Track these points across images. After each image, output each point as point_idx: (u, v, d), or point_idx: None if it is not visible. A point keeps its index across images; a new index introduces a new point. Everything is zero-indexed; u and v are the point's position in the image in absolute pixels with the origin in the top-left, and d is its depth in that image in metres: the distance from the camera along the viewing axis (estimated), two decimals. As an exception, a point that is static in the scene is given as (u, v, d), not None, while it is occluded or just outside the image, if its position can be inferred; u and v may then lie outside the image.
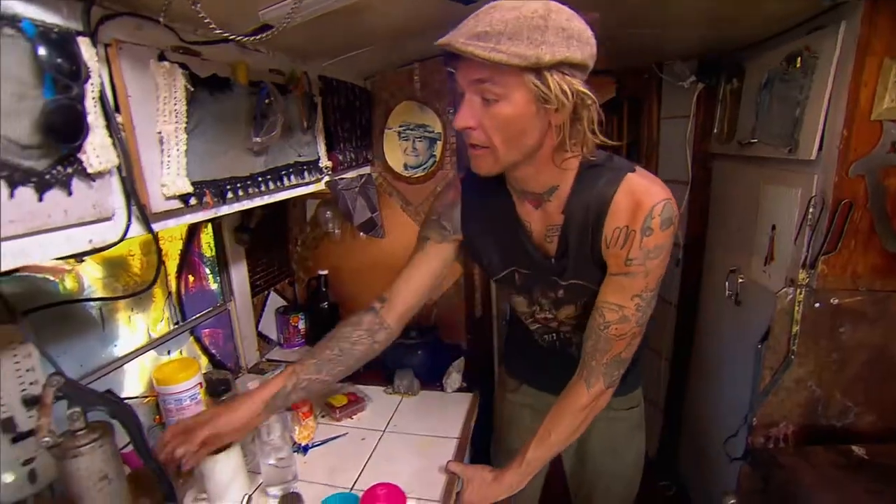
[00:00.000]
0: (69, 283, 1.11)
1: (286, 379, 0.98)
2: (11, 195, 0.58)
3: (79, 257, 0.81)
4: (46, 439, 0.75)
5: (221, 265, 1.55)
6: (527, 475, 1.02)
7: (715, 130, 1.74)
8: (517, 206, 0.94)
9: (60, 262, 1.09)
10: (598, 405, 0.97)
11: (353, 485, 1.09)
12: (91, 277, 1.16)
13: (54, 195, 0.63)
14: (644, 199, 0.82)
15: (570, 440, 1.00)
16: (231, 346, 1.60)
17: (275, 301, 1.82)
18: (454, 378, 1.45)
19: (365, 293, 1.83)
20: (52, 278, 1.08)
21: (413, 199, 1.72)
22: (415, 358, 1.46)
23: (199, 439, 0.91)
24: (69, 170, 0.65)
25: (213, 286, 1.56)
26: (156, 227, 0.80)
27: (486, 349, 2.06)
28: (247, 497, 0.95)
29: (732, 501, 1.18)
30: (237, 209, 1.01)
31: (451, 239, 1.03)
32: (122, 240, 0.74)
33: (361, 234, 1.69)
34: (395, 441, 1.24)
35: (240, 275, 1.60)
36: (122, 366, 1.24)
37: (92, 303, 1.16)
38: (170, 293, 1.39)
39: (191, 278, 1.47)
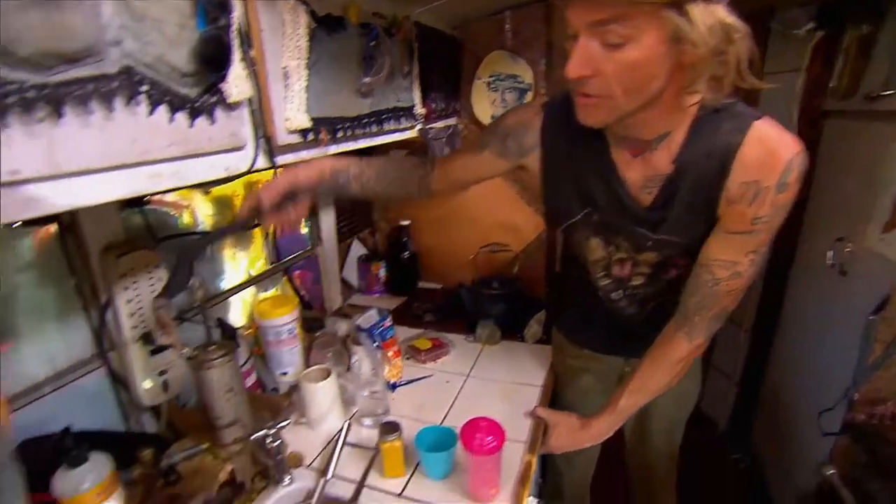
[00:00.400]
0: (186, 218, 1.20)
1: (351, 163, 0.98)
2: (171, 119, 0.62)
3: (207, 188, 0.86)
4: (185, 351, 0.83)
5: (312, 210, 1.62)
6: (616, 423, 1.02)
7: (832, 84, 1.59)
8: (612, 150, 0.86)
9: (180, 197, 1.18)
10: (693, 357, 0.95)
11: (442, 421, 1.14)
12: (202, 214, 1.25)
13: (201, 122, 0.67)
14: (780, 150, 0.74)
15: (662, 391, 0.99)
16: (318, 288, 1.69)
17: (357, 249, 1.88)
18: (535, 329, 1.46)
19: (445, 244, 1.87)
20: (173, 213, 1.17)
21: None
22: (496, 308, 1.48)
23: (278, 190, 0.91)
24: (213, 99, 0.68)
25: (304, 231, 1.63)
26: (278, 160, 0.84)
27: (559, 308, 2.05)
28: (346, 423, 1.01)
29: (832, 471, 1.13)
30: (343, 150, 1.03)
31: (509, 159, 0.97)
32: (250, 170, 0.79)
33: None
34: (478, 385, 1.28)
35: (328, 221, 1.66)
36: (227, 298, 1.34)
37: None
38: (267, 234, 1.47)
39: (286, 221, 1.54)
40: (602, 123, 0.78)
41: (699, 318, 0.89)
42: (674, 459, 1.30)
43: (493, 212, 1.77)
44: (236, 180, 0.81)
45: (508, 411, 1.16)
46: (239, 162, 0.76)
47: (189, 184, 0.68)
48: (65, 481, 0.70)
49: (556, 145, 0.92)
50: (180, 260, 0.83)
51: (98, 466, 0.73)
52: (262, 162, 0.81)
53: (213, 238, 0.88)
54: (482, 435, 0.84)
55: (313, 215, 1.63)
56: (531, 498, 0.97)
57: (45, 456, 0.78)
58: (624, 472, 1.42)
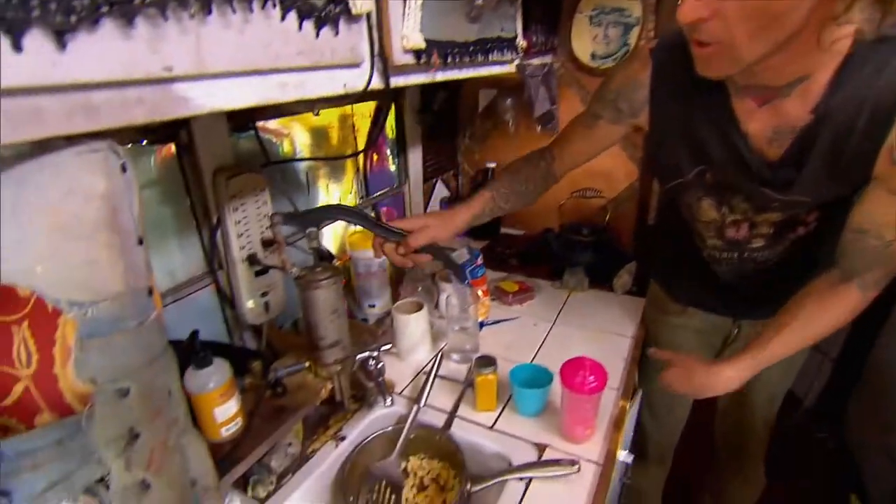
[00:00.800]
0: (286, 146, 1.22)
1: (485, 204, 0.99)
2: (300, 27, 0.61)
3: (319, 108, 0.86)
4: (293, 270, 0.85)
5: (401, 148, 1.60)
6: (753, 371, 0.86)
7: None
8: (732, 99, 0.76)
9: (281, 126, 1.19)
10: (860, 310, 0.81)
11: (531, 361, 1.13)
12: (301, 143, 1.26)
13: (326, 33, 0.65)
14: None
15: (817, 341, 0.86)
16: (403, 227, 1.69)
17: (440, 191, 1.86)
18: (625, 280, 1.40)
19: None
20: (275, 140, 1.19)
21: (595, 92, 1.60)
22: (585, 256, 1.43)
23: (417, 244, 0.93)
24: (337, 9, 0.66)
25: (392, 168, 1.62)
26: (392, 80, 0.81)
27: (658, 262, 1.96)
28: (438, 356, 1.02)
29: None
30: (449, 77, 0.99)
31: (625, 123, 0.91)
32: (366, 88, 0.77)
33: (538, 127, 1.63)
34: (566, 330, 1.25)
35: (415, 159, 1.64)
36: (320, 228, 1.36)
37: (301, 166, 1.27)
38: (358, 168, 1.48)
39: (375, 157, 1.54)
40: (724, 75, 0.68)
41: (871, 274, 0.76)
42: (768, 431, 1.23)
43: (585, 157, 1.69)
44: (341, 105, 0.80)
45: (599, 357, 1.12)
46: (356, 79, 0.75)
47: (311, 96, 0.67)
48: (193, 380, 0.75)
49: (666, 95, 0.83)
50: (323, 211, 0.89)
51: (220, 370, 0.78)
52: (377, 81, 0.79)
53: (358, 219, 0.92)
54: (585, 373, 0.82)
55: (402, 154, 1.62)
56: (623, 451, 0.95)
57: (179, 355, 0.85)
58: (710, 439, 1.38)
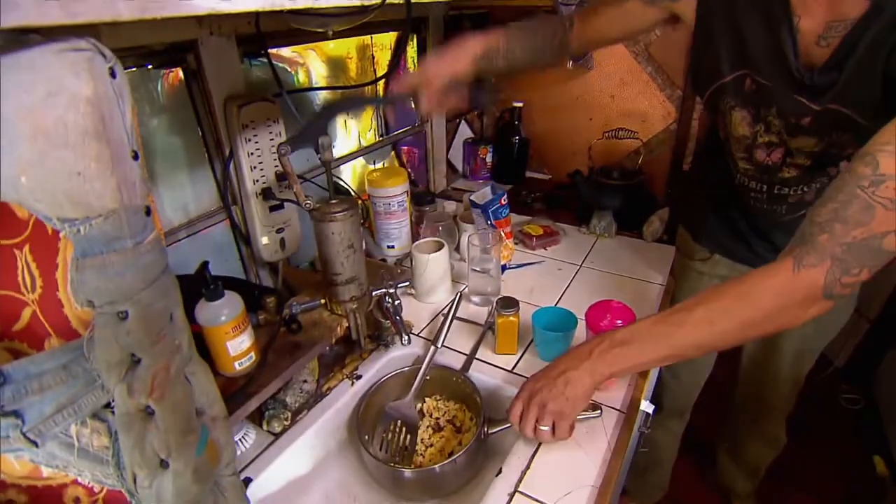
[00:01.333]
0: (302, 77, 1.16)
1: (497, 39, 0.91)
2: (307, -84, 0.53)
3: (333, 25, 0.79)
4: (308, 202, 0.81)
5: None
6: (611, 369, 0.69)
7: None
8: None
9: (296, 53, 1.12)
10: (796, 302, 0.62)
11: (555, 305, 1.09)
12: (318, 74, 1.20)
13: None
14: None
15: (723, 343, 0.68)
16: (423, 167, 1.63)
17: (464, 131, 1.78)
18: (656, 227, 1.33)
19: (560, 130, 1.72)
20: (289, 69, 1.12)
21: (633, 24, 1.47)
22: (614, 200, 1.35)
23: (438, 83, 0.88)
24: None
25: (413, 105, 1.54)
26: (411, -5, 0.74)
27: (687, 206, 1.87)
28: (458, 295, 0.99)
29: None
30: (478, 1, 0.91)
31: (662, 3, 0.82)
32: (383, 3, 0.70)
33: (569, 63, 1.52)
34: (592, 276, 1.20)
35: (438, 96, 1.56)
36: (338, 166, 1.32)
37: (318, 100, 1.21)
38: (378, 106, 1.41)
39: (396, 92, 1.46)
40: None
41: (825, 238, 0.58)
42: (796, 390, 1.18)
43: (620, 97, 1.58)
44: (360, 34, 0.73)
45: (626, 302, 1.08)
46: (372, -11, 0.68)
47: (323, 5, 0.60)
48: (205, 311, 0.73)
49: None
50: (322, 113, 0.80)
51: (232, 303, 0.75)
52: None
53: (360, 103, 0.85)
54: (612, 316, 0.77)
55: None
56: (646, 402, 0.91)
57: (188, 289, 0.83)
58: (729, 391, 1.33)
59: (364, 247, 1.26)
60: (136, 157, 0.47)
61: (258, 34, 0.89)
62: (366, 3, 0.67)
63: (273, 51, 1.06)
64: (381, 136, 1.43)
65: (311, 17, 0.75)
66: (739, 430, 1.37)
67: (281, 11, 0.58)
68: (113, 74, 0.44)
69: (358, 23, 0.79)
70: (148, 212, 0.48)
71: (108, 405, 0.51)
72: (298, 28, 0.83)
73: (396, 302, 0.87)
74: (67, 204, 0.43)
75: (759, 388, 1.22)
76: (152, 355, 0.46)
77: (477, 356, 0.96)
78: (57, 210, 0.43)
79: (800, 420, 1.29)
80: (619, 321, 0.78)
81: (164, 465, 0.48)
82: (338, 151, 1.31)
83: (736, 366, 1.26)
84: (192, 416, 0.50)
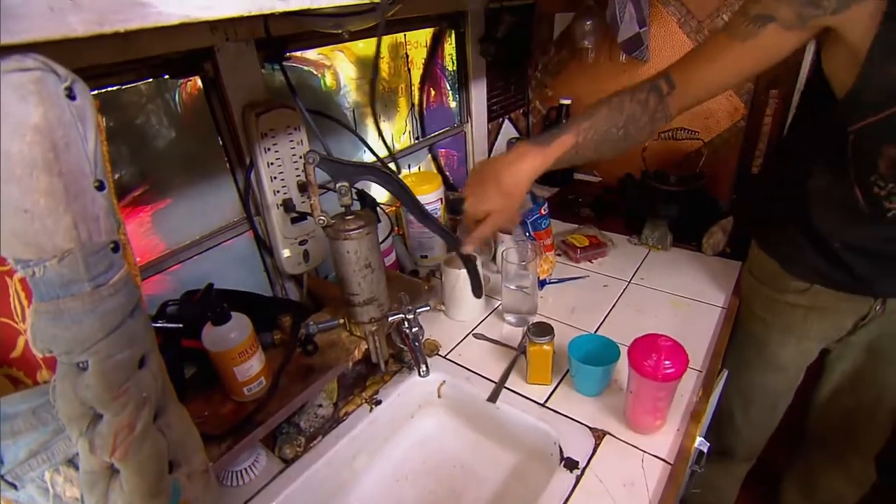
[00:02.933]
0: (329, 80, 1.10)
1: (565, 151, 0.78)
2: None
3: (346, 26, 0.72)
4: (322, 218, 0.75)
5: (462, 81, 1.44)
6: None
7: None
8: None
9: (322, 56, 1.07)
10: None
11: (597, 329, 0.98)
12: (346, 76, 1.14)
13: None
14: None
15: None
16: (464, 170, 1.55)
17: (508, 131, 1.68)
18: (717, 239, 1.18)
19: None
20: (315, 72, 1.07)
21: (698, 11, 1.32)
22: (670, 208, 1.22)
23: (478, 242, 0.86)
24: None
25: (452, 105, 1.47)
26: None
27: (754, 218, 1.69)
28: (486, 317, 0.90)
29: None
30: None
31: (812, 24, 0.64)
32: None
33: (622, 55, 1.39)
34: (642, 294, 1.08)
35: (479, 94, 1.47)
36: (352, 185, 1.25)
37: (347, 103, 1.15)
38: (412, 105, 1.34)
39: (432, 92, 1.39)
40: None
41: None
42: (892, 421, 1.02)
43: (678, 91, 1.42)
44: (388, 32, 0.66)
45: (680, 329, 0.96)
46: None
47: (322, 6, 0.54)
48: (211, 335, 0.70)
49: None
50: (366, 166, 0.80)
51: (239, 326, 0.71)
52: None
53: (401, 194, 0.80)
54: (660, 356, 0.67)
55: (463, 89, 1.45)
56: (701, 439, 0.80)
57: (199, 308, 0.80)
58: (800, 419, 1.17)
59: (395, 256, 1.20)
60: (101, 187, 0.42)
61: (269, 38, 0.84)
62: (375, 0, 0.60)
63: (297, 53, 1.01)
64: (417, 138, 1.37)
65: (322, 18, 0.69)
66: (816, 465, 1.21)
67: (275, 14, 0.51)
68: (71, 96, 0.39)
69: (374, 22, 0.72)
70: (116, 248, 0.43)
71: (81, 453, 0.47)
72: (315, 30, 0.77)
73: (415, 329, 0.80)
74: (17, 244, 0.38)
75: (850, 417, 1.06)
76: (114, 411, 0.41)
77: (507, 384, 0.88)
78: (10, 250, 0.39)
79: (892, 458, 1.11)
80: (668, 361, 0.67)
81: (129, 529, 0.43)
82: (370, 156, 1.25)
83: (806, 393, 1.11)
84: (163, 475, 0.45)
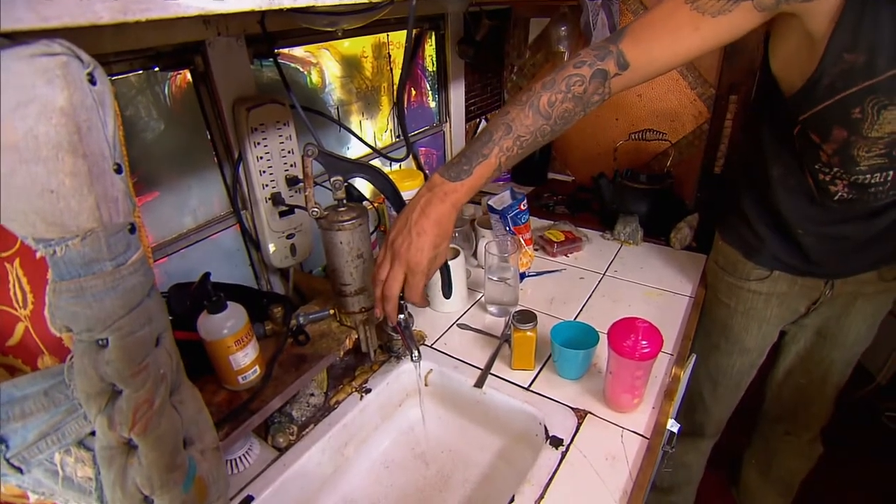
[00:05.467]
0: (315, 77, 1.12)
1: (496, 161, 0.71)
2: None
3: (341, 23, 0.74)
4: (315, 210, 0.77)
5: (441, 82, 1.47)
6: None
7: None
8: None
9: (308, 53, 1.09)
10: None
11: (575, 318, 1.03)
12: (331, 74, 1.16)
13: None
14: None
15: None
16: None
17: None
18: (685, 233, 1.26)
19: (583, 134, 1.65)
20: (302, 70, 1.09)
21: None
22: (641, 205, 1.29)
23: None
24: None
25: (432, 104, 1.50)
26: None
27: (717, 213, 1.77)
28: (469, 308, 0.94)
29: None
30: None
31: (787, 6, 0.64)
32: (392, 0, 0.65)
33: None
34: (616, 286, 1.14)
35: (458, 95, 1.51)
36: (346, 181, 1.28)
37: (331, 100, 1.17)
38: (394, 104, 1.37)
39: (413, 92, 1.42)
40: None
41: None
42: (836, 396, 1.11)
43: (647, 96, 1.50)
44: (375, 32, 0.68)
45: (652, 317, 1.00)
46: (380, -15, 0.63)
47: (326, 4, 0.56)
48: (207, 324, 0.70)
49: None
50: (359, 165, 0.81)
51: (235, 315, 0.72)
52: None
53: (391, 194, 0.82)
54: (637, 336, 0.72)
55: (443, 89, 1.49)
56: (672, 420, 0.85)
57: (192, 300, 0.80)
58: (756, 402, 1.25)
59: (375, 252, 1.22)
60: (119, 170, 0.43)
61: (264, 34, 0.86)
62: (375, 0, 0.63)
63: (284, 50, 1.02)
64: (398, 136, 1.39)
65: (320, 15, 0.71)
66: (771, 442, 1.29)
67: (281, 10, 0.54)
68: (93, 81, 0.41)
69: (369, 20, 0.75)
70: (133, 229, 0.45)
71: (93, 433, 0.48)
72: (308, 27, 0.79)
73: (405, 315, 0.82)
74: (41, 223, 0.40)
75: (801, 396, 1.14)
76: (134, 386, 0.43)
77: (492, 371, 0.91)
78: (30, 229, 0.40)
79: (838, 437, 1.20)
80: (645, 341, 0.72)
81: (147, 502, 0.44)
82: (353, 153, 1.27)
83: (765, 373, 1.19)
84: (179, 450, 0.46)
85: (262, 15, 0.84)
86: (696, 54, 0.69)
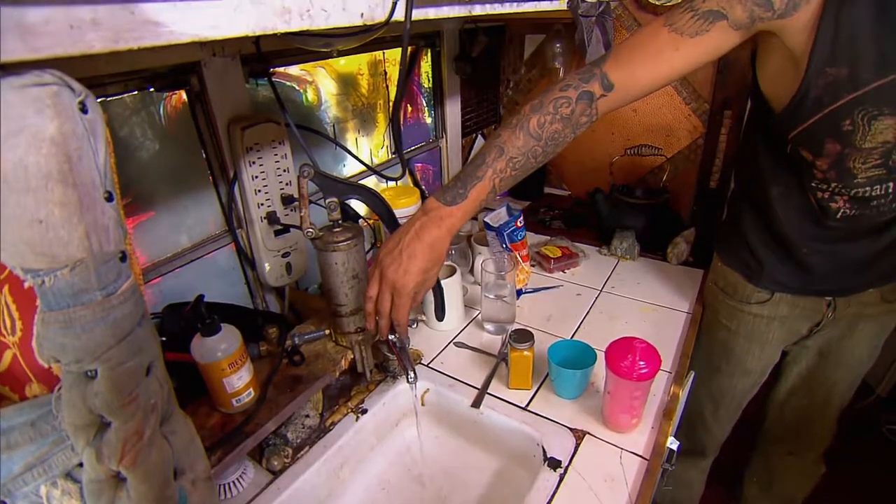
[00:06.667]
0: (310, 95, 1.12)
1: (490, 184, 0.71)
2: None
3: (336, 44, 0.75)
4: (310, 230, 0.77)
5: (437, 98, 1.48)
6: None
7: None
8: None
9: (304, 72, 1.09)
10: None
11: (572, 336, 1.03)
12: (327, 92, 1.16)
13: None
14: None
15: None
16: (439, 184, 1.59)
17: (481, 146, 1.73)
18: (681, 249, 1.25)
19: (579, 148, 1.66)
20: (298, 88, 1.09)
21: (658, 35, 1.40)
22: (638, 220, 1.29)
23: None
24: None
25: (428, 120, 1.50)
26: (416, 12, 0.69)
27: (714, 229, 1.77)
28: (465, 326, 0.93)
29: None
30: (489, 12, 0.86)
31: (761, 24, 0.65)
32: (388, 20, 0.65)
33: (589, 74, 1.46)
34: (613, 302, 1.13)
35: (454, 111, 1.52)
36: (342, 201, 1.27)
37: (327, 117, 1.17)
38: (391, 121, 1.37)
39: (409, 108, 1.42)
40: None
41: None
42: (838, 416, 1.10)
43: (643, 110, 1.51)
44: (370, 49, 0.68)
45: (649, 334, 1.01)
46: (376, 8, 0.63)
47: (320, 27, 0.56)
48: (201, 347, 0.70)
49: None
50: (357, 186, 0.81)
51: (229, 338, 0.71)
52: (401, 11, 0.67)
53: (386, 217, 0.82)
54: (635, 357, 0.71)
55: (438, 105, 1.49)
56: (672, 438, 0.84)
57: (186, 321, 0.80)
58: (757, 419, 1.24)
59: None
60: (110, 198, 0.43)
61: (259, 54, 0.86)
62: (368, 23, 0.63)
63: (280, 69, 1.03)
64: (394, 153, 1.39)
65: (314, 37, 0.71)
66: (772, 461, 1.28)
67: (275, 35, 0.54)
68: (84, 109, 0.41)
69: (364, 41, 0.75)
70: (124, 257, 0.44)
71: (81, 464, 0.47)
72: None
73: (398, 335, 0.82)
74: (29, 254, 0.39)
75: (804, 415, 1.13)
76: (123, 418, 0.42)
77: (489, 390, 0.90)
78: (18, 260, 0.39)
79: (839, 450, 1.19)
80: (643, 361, 0.71)
81: (135, 536, 0.43)
82: (349, 170, 1.27)
83: (762, 394, 1.18)
84: (169, 482, 0.45)
85: (257, 37, 0.85)
86: (679, 74, 0.71)
